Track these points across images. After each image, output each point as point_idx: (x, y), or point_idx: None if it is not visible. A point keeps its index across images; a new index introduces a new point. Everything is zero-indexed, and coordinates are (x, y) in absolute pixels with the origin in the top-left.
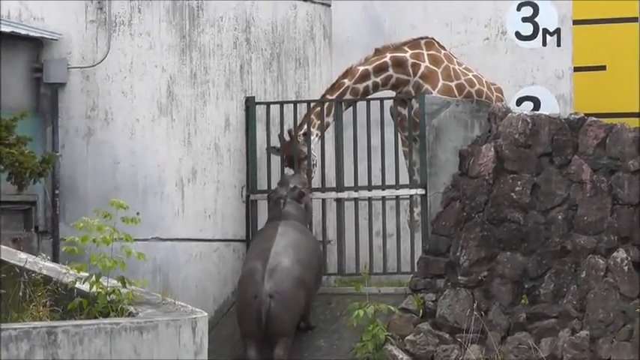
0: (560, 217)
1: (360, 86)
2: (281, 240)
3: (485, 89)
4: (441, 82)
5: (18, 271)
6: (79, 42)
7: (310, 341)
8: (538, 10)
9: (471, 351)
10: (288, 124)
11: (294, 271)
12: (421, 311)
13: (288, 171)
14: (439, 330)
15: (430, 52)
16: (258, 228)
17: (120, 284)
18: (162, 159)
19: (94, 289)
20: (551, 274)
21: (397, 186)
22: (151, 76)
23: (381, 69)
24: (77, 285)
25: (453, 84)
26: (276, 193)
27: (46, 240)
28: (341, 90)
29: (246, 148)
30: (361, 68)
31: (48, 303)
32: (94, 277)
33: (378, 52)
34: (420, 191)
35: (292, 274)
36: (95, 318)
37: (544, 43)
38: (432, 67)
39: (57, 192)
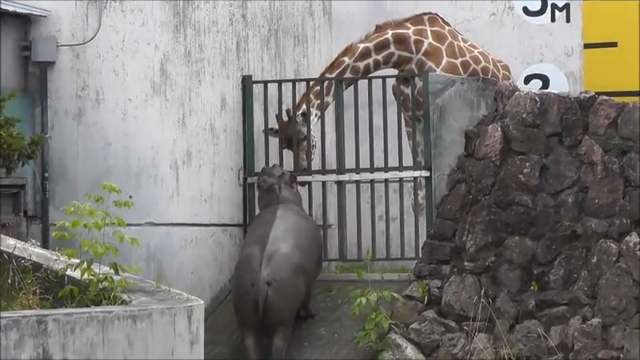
0: (570, 199)
1: (361, 64)
2: (280, 224)
3: (491, 67)
4: (445, 60)
5: (7, 257)
6: (68, 19)
7: (311, 330)
8: None
9: (478, 340)
10: (287, 103)
11: (293, 257)
12: (426, 298)
13: (268, 166)
14: (445, 318)
15: (434, 29)
16: (256, 212)
17: (112, 271)
18: (155, 140)
19: (86, 276)
20: (561, 260)
21: (400, 168)
22: (144, 54)
23: (382, 46)
24: (68, 272)
25: (457, 61)
26: (265, 182)
27: (35, 225)
28: (341, 68)
29: (243, 129)
30: (362, 46)
31: (38, 291)
32: (85, 263)
33: (380, 28)
34: (425, 173)
35: (291, 260)
36: (87, 306)
37: (553, 19)
38: (435, 43)
39: (46, 175)
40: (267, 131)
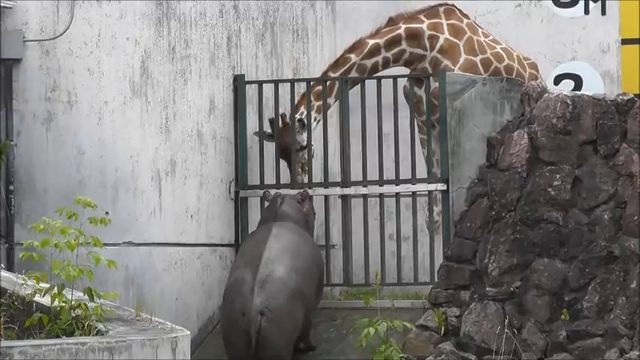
0: (606, 216)
1: (369, 62)
2: (274, 244)
3: (516, 65)
4: (463, 57)
5: None
6: (37, 11)
7: None
8: None
9: None
10: (284, 106)
11: (290, 281)
12: (442, 329)
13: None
14: (464, 351)
15: (450, 22)
16: (250, 230)
17: (87, 297)
18: (135, 149)
19: (57, 302)
20: (595, 285)
21: (413, 180)
22: (122, 50)
23: (393, 42)
24: (36, 298)
25: (477, 59)
26: (266, 195)
27: None
28: (346, 66)
29: (235, 136)
30: (370, 41)
31: (2, 319)
32: (56, 288)
33: (391, 22)
34: (441, 186)
35: (287, 285)
36: (57, 337)
37: (586, 11)
38: (452, 39)
39: (11, 188)
40: (261, 134)
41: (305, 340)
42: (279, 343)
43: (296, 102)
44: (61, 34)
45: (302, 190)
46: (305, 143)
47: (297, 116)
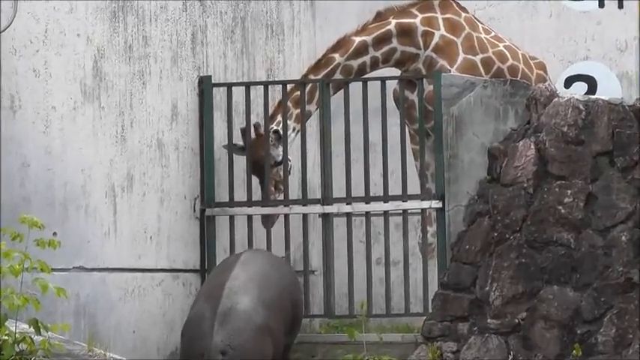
0: (623, 237)
1: (355, 63)
2: (241, 272)
3: (521, 65)
4: (461, 57)
5: None
6: None
7: None
8: None
9: None
10: (256, 112)
11: (256, 316)
12: None
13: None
14: None
15: (447, 16)
16: (217, 253)
17: (32, 329)
18: (87, 161)
19: None
20: (612, 316)
21: (404, 197)
22: (72, 48)
23: (382, 40)
24: None
25: (477, 58)
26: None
27: None
28: (330, 68)
29: (200, 146)
30: (357, 39)
31: None
32: None
33: (379, 16)
34: (436, 204)
35: (253, 320)
36: None
37: (601, 4)
38: (449, 36)
39: None
40: (231, 147)
41: None
42: None
43: (271, 109)
44: (3, 31)
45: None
46: (280, 158)
47: (274, 126)
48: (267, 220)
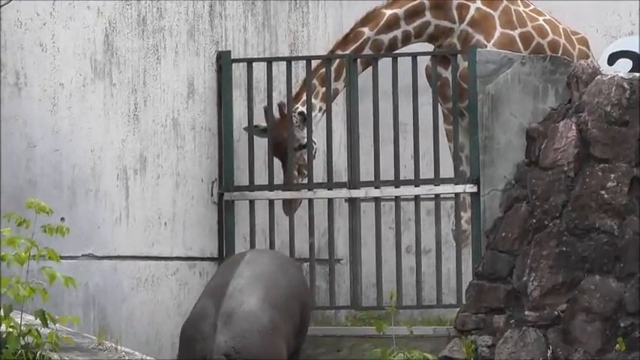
0: None
1: (386, 37)
2: (246, 270)
3: (562, 40)
4: (498, 31)
5: None
6: None
7: None
8: None
9: None
10: (279, 91)
11: (263, 316)
12: None
13: None
14: None
15: None
16: (236, 240)
17: (39, 321)
18: (97, 141)
19: (3, 327)
20: None
21: (437, 181)
22: (82, 21)
23: (414, 13)
24: None
25: (515, 33)
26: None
27: None
28: (358, 43)
29: (219, 126)
30: (387, 12)
31: None
32: (2, 310)
33: None
34: (470, 188)
35: (259, 320)
36: None
37: None
38: (485, 9)
39: None
40: (252, 129)
41: None
42: None
43: (295, 87)
44: (7, 2)
45: None
46: (305, 141)
47: (299, 106)
48: (289, 206)
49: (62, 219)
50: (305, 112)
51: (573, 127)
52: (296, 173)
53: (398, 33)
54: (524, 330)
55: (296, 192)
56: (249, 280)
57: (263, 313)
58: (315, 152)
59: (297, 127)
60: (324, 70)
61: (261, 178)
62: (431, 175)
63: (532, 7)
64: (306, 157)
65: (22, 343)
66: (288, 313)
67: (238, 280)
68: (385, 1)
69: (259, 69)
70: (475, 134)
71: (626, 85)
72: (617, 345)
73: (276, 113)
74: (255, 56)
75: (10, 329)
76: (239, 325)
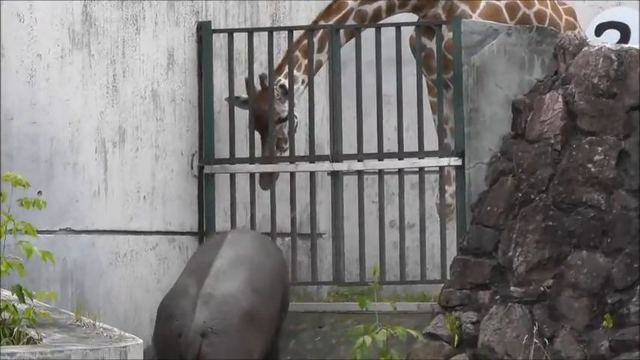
0: None
1: (370, 8)
2: (228, 252)
3: (549, 11)
4: (484, 1)
5: None
6: None
7: None
8: None
9: None
10: (260, 62)
11: (243, 300)
12: (456, 338)
13: None
14: None
15: None
16: (216, 214)
17: (15, 297)
18: (75, 114)
19: None
20: None
21: (421, 154)
22: None
23: None
24: None
25: (501, 3)
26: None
27: None
28: (342, 13)
29: (199, 98)
30: None
31: None
32: None
33: None
34: (455, 161)
35: (239, 304)
36: None
37: None
38: None
39: None
40: (233, 101)
41: None
42: None
43: (276, 57)
44: None
45: None
46: (286, 114)
47: (281, 78)
48: (266, 180)
49: (39, 192)
50: (286, 85)
51: (560, 99)
52: (275, 147)
53: (382, 3)
54: (509, 306)
55: (277, 165)
56: (232, 262)
57: (245, 297)
58: (297, 125)
59: (279, 100)
60: (306, 41)
61: (242, 151)
62: (415, 148)
63: None
64: (285, 131)
65: None
66: (271, 297)
67: (222, 261)
68: None
69: (240, 40)
70: (460, 106)
71: (613, 57)
72: (605, 322)
73: (257, 85)
74: (236, 27)
75: None
76: (219, 306)
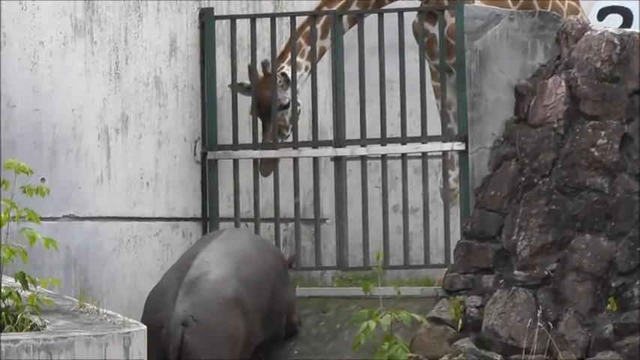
0: None
1: None
2: (218, 246)
3: None
4: None
5: None
6: None
7: None
8: None
9: None
10: (263, 48)
11: (227, 288)
12: (460, 322)
13: None
14: (486, 349)
15: None
16: (220, 200)
17: (19, 284)
18: (78, 100)
19: None
20: None
21: (424, 138)
22: None
23: None
24: None
25: None
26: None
27: None
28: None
29: (202, 84)
30: None
31: None
32: None
33: None
34: (458, 146)
35: (222, 292)
36: None
37: None
38: None
39: None
40: (236, 87)
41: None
42: None
43: (279, 44)
44: None
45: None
46: (287, 101)
47: (284, 65)
48: (266, 167)
49: (42, 179)
50: (288, 73)
51: (563, 84)
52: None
53: None
54: (513, 290)
55: (281, 151)
56: (219, 254)
57: (228, 285)
58: (299, 112)
59: (281, 87)
60: (309, 27)
61: (245, 137)
62: (418, 133)
63: None
64: (287, 118)
65: (2, 305)
66: (258, 295)
67: (207, 253)
68: None
69: (243, 26)
70: (463, 91)
71: (616, 41)
72: (609, 305)
73: (260, 72)
74: (239, 13)
75: None
76: (200, 294)
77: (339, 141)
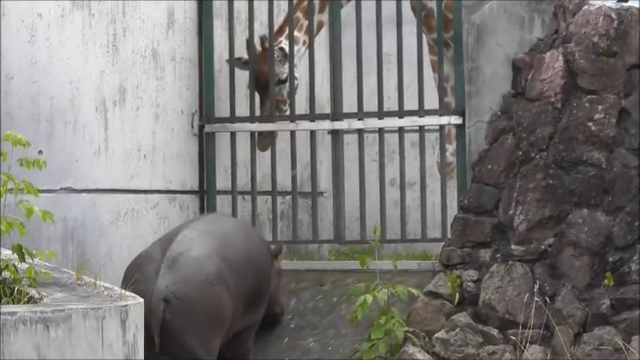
0: None
1: None
2: (202, 225)
3: None
4: None
5: None
6: None
7: (294, 341)
8: None
9: (530, 354)
10: (261, 21)
11: (209, 264)
12: (457, 296)
13: None
14: (483, 323)
15: None
16: (217, 173)
17: (16, 256)
18: (75, 73)
19: None
20: None
21: (421, 112)
22: None
23: None
24: None
25: None
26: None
27: None
28: None
29: (199, 57)
30: None
31: None
32: None
33: None
34: (455, 119)
35: (204, 268)
36: None
37: None
38: None
39: None
40: (234, 61)
41: (240, 345)
42: (191, 341)
43: (278, 19)
44: None
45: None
46: (285, 76)
47: (282, 39)
48: (264, 140)
49: (40, 152)
50: (286, 48)
51: (560, 58)
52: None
53: None
54: (510, 264)
55: (278, 124)
56: (203, 232)
57: (210, 262)
58: (297, 86)
59: (279, 61)
60: (307, 2)
61: (243, 110)
62: (415, 107)
63: None
64: (284, 92)
65: (0, 278)
66: (242, 276)
67: (191, 230)
68: None
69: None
70: (460, 65)
71: (613, 15)
72: (606, 280)
73: (258, 45)
74: None
75: None
76: (182, 270)
77: (337, 114)
